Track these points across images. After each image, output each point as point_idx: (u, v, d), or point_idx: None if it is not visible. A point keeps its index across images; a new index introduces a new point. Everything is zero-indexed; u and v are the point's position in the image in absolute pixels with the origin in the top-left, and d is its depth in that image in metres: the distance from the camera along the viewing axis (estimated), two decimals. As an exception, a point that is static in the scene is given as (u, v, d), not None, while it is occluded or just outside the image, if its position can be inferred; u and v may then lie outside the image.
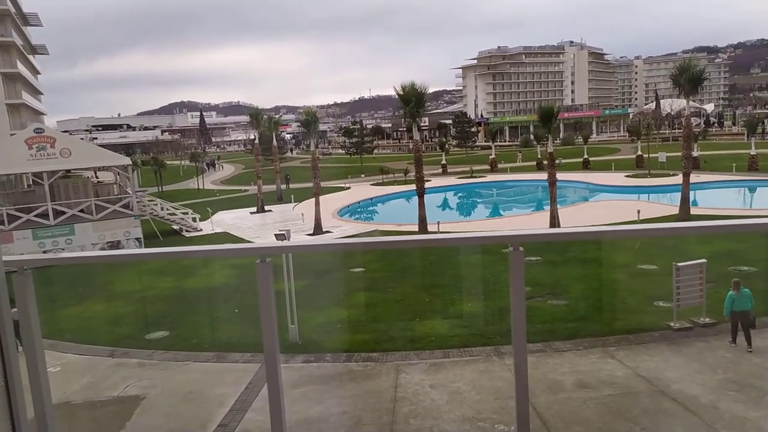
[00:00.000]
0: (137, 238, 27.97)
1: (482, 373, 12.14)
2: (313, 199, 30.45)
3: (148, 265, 21.53)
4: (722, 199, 33.70)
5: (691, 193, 28.28)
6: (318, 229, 29.36)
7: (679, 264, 13.69)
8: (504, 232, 2.10)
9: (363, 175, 57.54)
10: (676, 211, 27.47)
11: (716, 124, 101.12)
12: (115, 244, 27.30)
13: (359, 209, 40.00)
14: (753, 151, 44.13)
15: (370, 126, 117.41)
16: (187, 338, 14.69)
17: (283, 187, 45.83)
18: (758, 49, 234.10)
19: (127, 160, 30.77)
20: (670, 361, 12.17)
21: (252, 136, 62.10)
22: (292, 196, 41.78)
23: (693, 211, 27.29)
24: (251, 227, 32.65)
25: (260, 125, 46.30)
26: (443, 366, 12.62)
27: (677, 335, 13.32)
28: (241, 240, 28.54)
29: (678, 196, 27.89)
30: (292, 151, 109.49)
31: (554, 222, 26.19)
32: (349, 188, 48.75)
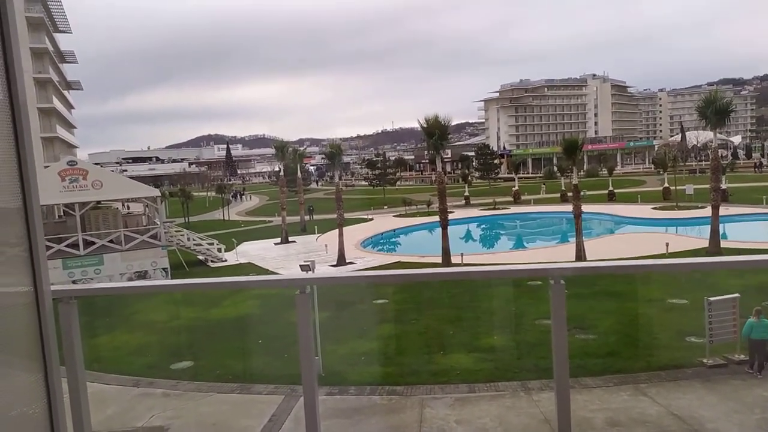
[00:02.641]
0: (164, 268, 28.33)
1: (509, 409, 11.86)
2: (337, 230, 30.59)
3: (173, 295, 21.75)
4: (752, 233, 32.89)
5: (720, 225, 27.71)
6: (341, 260, 29.40)
7: (711, 298, 13.34)
8: (545, 265, 2.05)
9: (386, 207, 57.72)
10: (705, 244, 26.89)
11: (744, 156, 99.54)
12: (143, 274, 27.69)
13: (382, 240, 40.02)
14: (784, 183, 43.20)
15: (392, 158, 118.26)
16: (211, 369, 14.70)
17: (307, 218, 46.18)
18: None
19: (156, 192, 31.43)
20: (705, 400, 11.76)
21: (277, 168, 62.98)
22: (316, 227, 42.05)
23: (723, 244, 26.68)
24: (275, 258, 32.85)
25: (285, 157, 47.01)
26: (469, 401, 12.37)
27: (711, 372, 12.89)
28: (266, 271, 28.70)
29: (707, 228, 27.34)
30: (317, 183, 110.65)
31: (580, 254, 25.83)
32: (372, 219, 48.87)
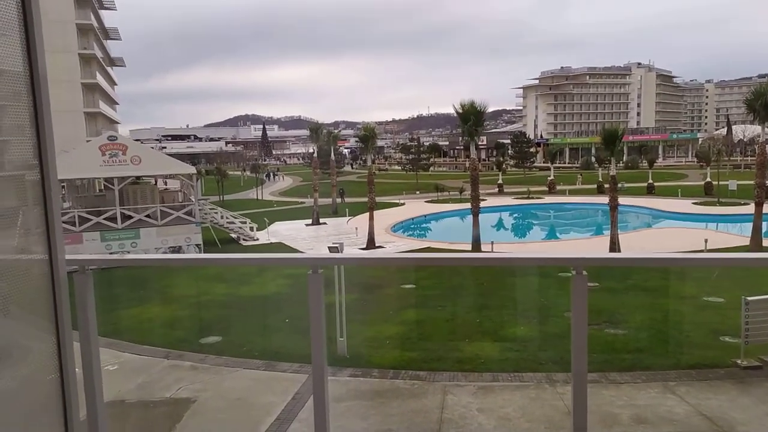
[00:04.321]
0: (197, 245, 28.91)
1: (533, 400, 11.75)
2: (368, 214, 30.65)
3: (205, 271, 22.20)
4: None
5: (764, 223, 26.74)
6: (371, 244, 29.48)
7: (749, 298, 12.89)
8: (566, 254, 1.99)
9: (418, 192, 57.52)
10: (746, 241, 26.02)
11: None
12: (177, 249, 28.31)
13: (413, 226, 39.94)
14: (836, 182, 41.32)
15: (427, 143, 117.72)
16: (238, 345, 14.98)
17: (339, 200, 46.39)
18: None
19: (192, 170, 31.98)
20: (736, 401, 11.42)
21: (311, 150, 63.34)
22: (347, 209, 42.22)
23: (765, 242, 25.76)
24: (305, 239, 33.16)
25: (319, 139, 47.23)
26: (492, 390, 12.31)
27: (745, 374, 12.50)
28: (294, 250, 29.02)
29: (749, 226, 26.43)
30: (351, 166, 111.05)
31: (614, 247, 25.30)
32: (403, 204, 48.79)
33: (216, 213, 33.49)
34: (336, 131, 60.50)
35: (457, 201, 47.65)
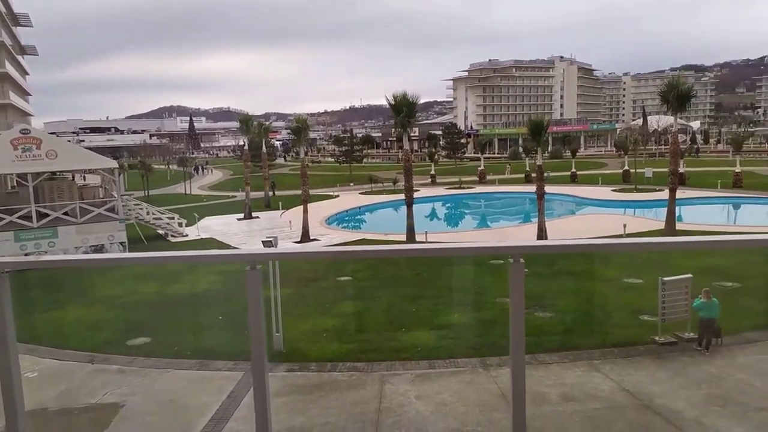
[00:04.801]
0: (121, 243, 27.61)
1: (468, 385, 12.05)
2: (302, 207, 30.31)
3: (132, 270, 21.25)
4: (707, 215, 34.01)
5: (677, 208, 28.51)
6: (305, 237, 29.21)
7: (665, 279, 13.75)
8: (505, 243, 2.05)
9: (352, 184, 57.48)
10: (661, 226, 27.66)
11: (702, 141, 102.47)
12: (99, 248, 26.92)
13: (347, 218, 39.90)
14: (738, 169, 44.70)
15: (360, 135, 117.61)
16: (169, 345, 14.46)
17: (270, 194, 45.62)
18: (744, 69, 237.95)
19: (114, 164, 30.43)
20: (655, 376, 12.17)
21: (241, 142, 61.83)
22: (280, 203, 41.59)
23: (678, 226, 27.50)
24: (238, 233, 32.41)
25: (250, 131, 46.15)
26: (429, 377, 12.52)
27: (662, 349, 13.34)
28: (227, 246, 28.30)
29: (664, 211, 28.11)
30: (284, 158, 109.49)
31: (542, 234, 26.26)
32: (337, 196, 48.64)
33: (141, 209, 32.10)
34: (267, 123, 59.36)
35: (391, 192, 47.98)
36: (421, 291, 18.80)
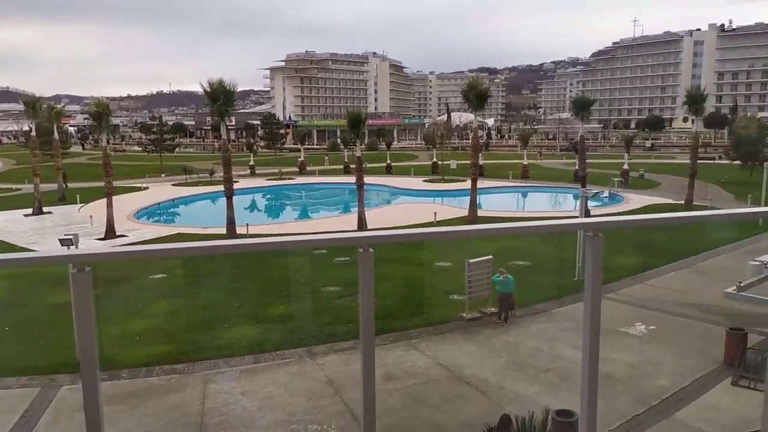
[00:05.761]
0: None
1: (295, 376, 12.11)
2: (105, 200, 27.51)
3: None
4: (502, 203, 38.31)
5: (478, 197, 31.61)
6: (111, 233, 26.61)
7: (471, 260, 15.22)
8: (355, 234, 2.12)
9: (163, 175, 53.71)
10: (465, 213, 30.44)
11: (496, 137, 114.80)
12: None
13: (159, 211, 37.18)
14: (525, 161, 51.03)
15: (170, 122, 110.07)
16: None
17: (65, 186, 40.57)
18: (528, 73, 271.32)
19: None
20: (464, 349, 13.44)
21: (27, 128, 53.87)
22: (78, 195, 37.25)
23: (479, 213, 30.51)
24: (26, 231, 28.35)
25: (38, 115, 40.36)
26: (255, 372, 12.31)
27: (469, 324, 14.78)
28: (13, 246, 24.63)
29: (467, 199, 30.96)
30: (82, 146, 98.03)
31: (362, 224, 27.24)
32: (147, 188, 45.09)
33: None
34: (59, 106, 52.50)
35: (207, 183, 45.82)
36: (244, 285, 18.34)
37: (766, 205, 24.67)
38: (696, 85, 41.01)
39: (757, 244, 21.80)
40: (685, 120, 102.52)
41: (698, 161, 35.96)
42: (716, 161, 58.48)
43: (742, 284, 16.45)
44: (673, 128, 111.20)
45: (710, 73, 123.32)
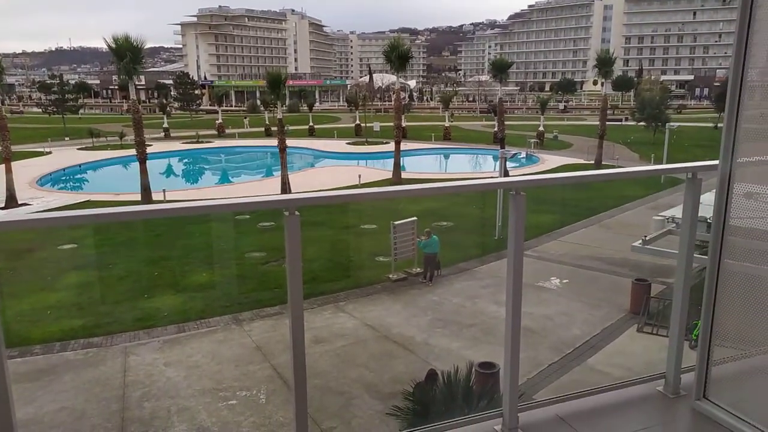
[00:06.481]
0: None
1: (221, 343, 11.91)
2: (3, 166, 25.38)
3: None
4: (425, 164, 38.84)
5: (401, 159, 31.84)
6: (12, 202, 24.69)
7: (396, 222, 15.40)
8: (281, 197, 2.03)
9: (67, 138, 50.18)
10: (389, 175, 30.64)
11: (418, 99, 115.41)
12: None
13: (65, 177, 34.82)
14: (447, 123, 51.74)
15: (73, 81, 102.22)
16: None
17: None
18: (448, 34, 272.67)
19: None
20: (391, 309, 13.71)
21: None
22: (-29, 162, 34.09)
23: (403, 175, 30.80)
24: None
25: None
26: (178, 341, 12.00)
27: (395, 285, 15.05)
28: None
29: (391, 161, 31.13)
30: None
31: (285, 188, 26.79)
32: (50, 153, 42.02)
33: None
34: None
35: (117, 147, 43.27)
36: (164, 253, 17.67)
37: (667, 164, 26.54)
38: (605, 49, 42.73)
39: (661, 200, 23.45)
40: (594, 83, 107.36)
41: (607, 123, 37.92)
42: (623, 123, 61.91)
43: (647, 238, 17.72)
44: (584, 91, 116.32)
45: (618, 36, 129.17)
